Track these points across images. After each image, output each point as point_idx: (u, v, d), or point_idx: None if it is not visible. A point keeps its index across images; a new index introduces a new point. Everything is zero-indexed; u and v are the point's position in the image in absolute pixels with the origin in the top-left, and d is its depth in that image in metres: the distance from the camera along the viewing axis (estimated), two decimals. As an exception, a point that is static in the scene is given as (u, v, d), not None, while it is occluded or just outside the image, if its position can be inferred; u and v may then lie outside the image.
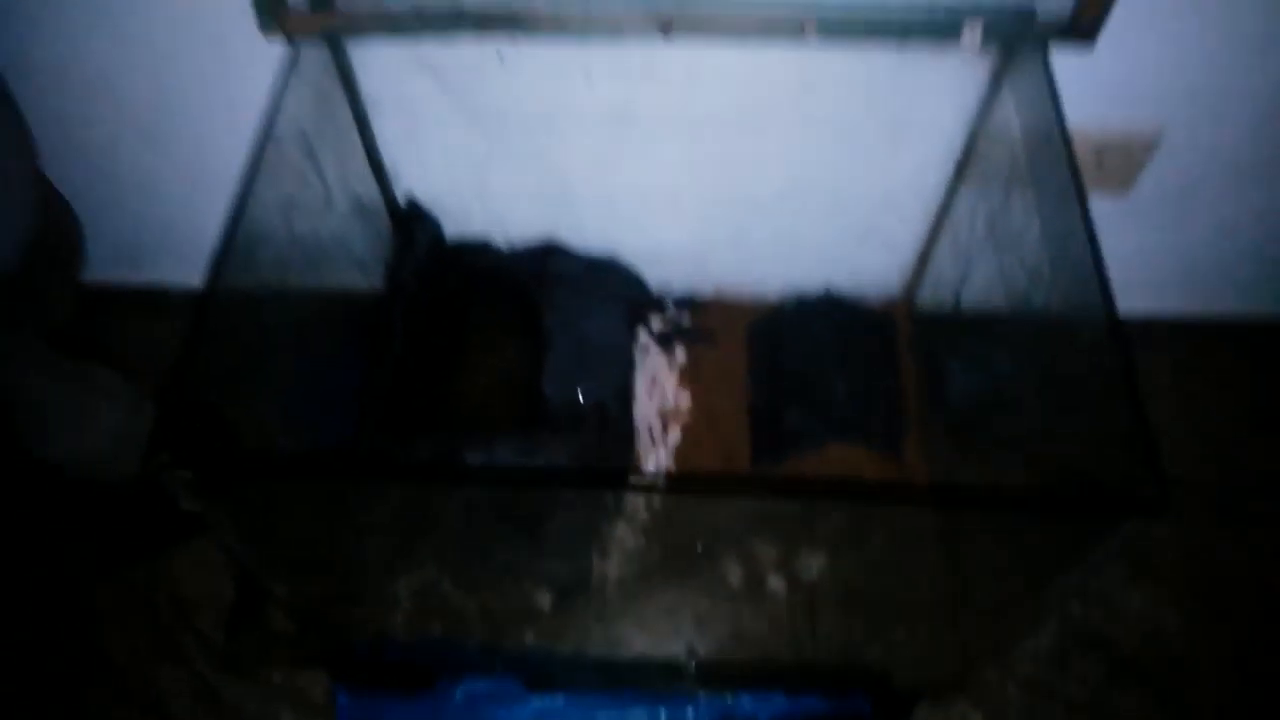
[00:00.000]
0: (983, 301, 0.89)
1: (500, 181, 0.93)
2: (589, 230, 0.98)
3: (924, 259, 0.98)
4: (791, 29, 0.69)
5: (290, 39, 0.70)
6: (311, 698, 0.90)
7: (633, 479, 0.85)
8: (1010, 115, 0.78)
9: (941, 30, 0.69)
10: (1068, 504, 0.54)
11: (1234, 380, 1.07)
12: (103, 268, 1.07)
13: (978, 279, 0.90)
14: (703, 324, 1.04)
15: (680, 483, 0.77)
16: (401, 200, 0.95)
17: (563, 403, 0.93)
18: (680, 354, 1.02)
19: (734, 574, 0.90)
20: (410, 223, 0.95)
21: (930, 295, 1.00)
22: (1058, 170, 0.68)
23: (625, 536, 0.92)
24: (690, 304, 1.05)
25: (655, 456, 0.96)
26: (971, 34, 0.69)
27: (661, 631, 0.89)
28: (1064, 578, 0.59)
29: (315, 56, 0.74)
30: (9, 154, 0.68)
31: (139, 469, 0.92)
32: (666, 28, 0.69)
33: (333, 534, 0.72)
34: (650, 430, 0.97)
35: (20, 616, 0.94)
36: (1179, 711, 0.88)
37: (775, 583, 0.90)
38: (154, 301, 1.10)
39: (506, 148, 0.89)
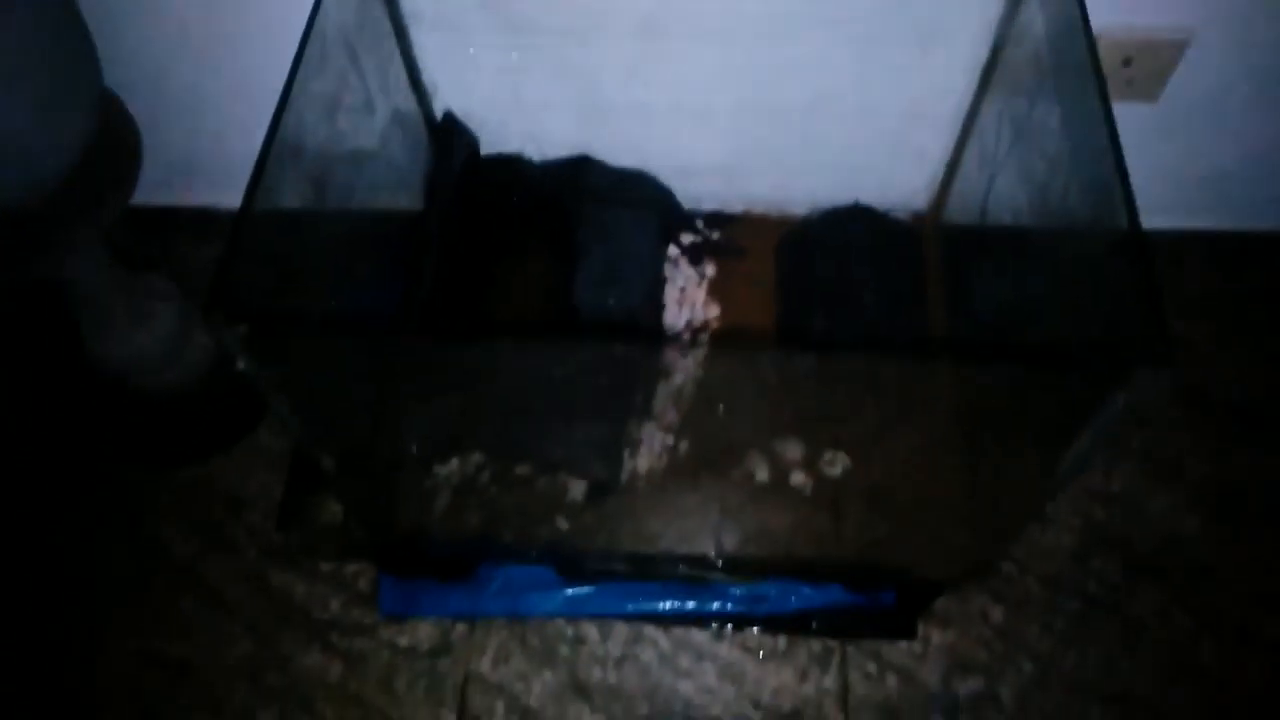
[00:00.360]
0: (1008, 212, 0.91)
1: (534, 96, 0.96)
2: (621, 145, 1.01)
3: (952, 170, 1.00)
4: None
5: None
6: (358, 586, 0.95)
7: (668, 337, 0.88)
8: (1035, 16, 0.79)
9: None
10: (1077, 357, 0.56)
11: (1265, 296, 1.07)
12: (152, 190, 1.11)
13: (1003, 190, 0.91)
14: (732, 239, 1.06)
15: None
16: (439, 115, 0.98)
17: (594, 311, 0.96)
18: (709, 268, 1.05)
19: (760, 472, 0.94)
20: (448, 136, 0.98)
21: (958, 208, 1.02)
22: (1082, 74, 0.69)
23: (654, 436, 0.95)
24: (720, 220, 1.07)
25: (683, 366, 0.99)
26: (994, -74, 0.70)
27: (689, 527, 0.93)
28: (1078, 450, 0.61)
29: (356, -38, 0.77)
30: (75, 57, 0.73)
31: (192, 372, 0.98)
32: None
33: (380, 408, 0.76)
34: (680, 340, 1.00)
35: (82, 513, 1.00)
36: (1194, 606, 0.90)
37: (800, 480, 0.93)
38: (203, 222, 1.14)
39: (541, 61, 0.92)
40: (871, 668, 0.89)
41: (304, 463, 0.98)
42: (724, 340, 0.94)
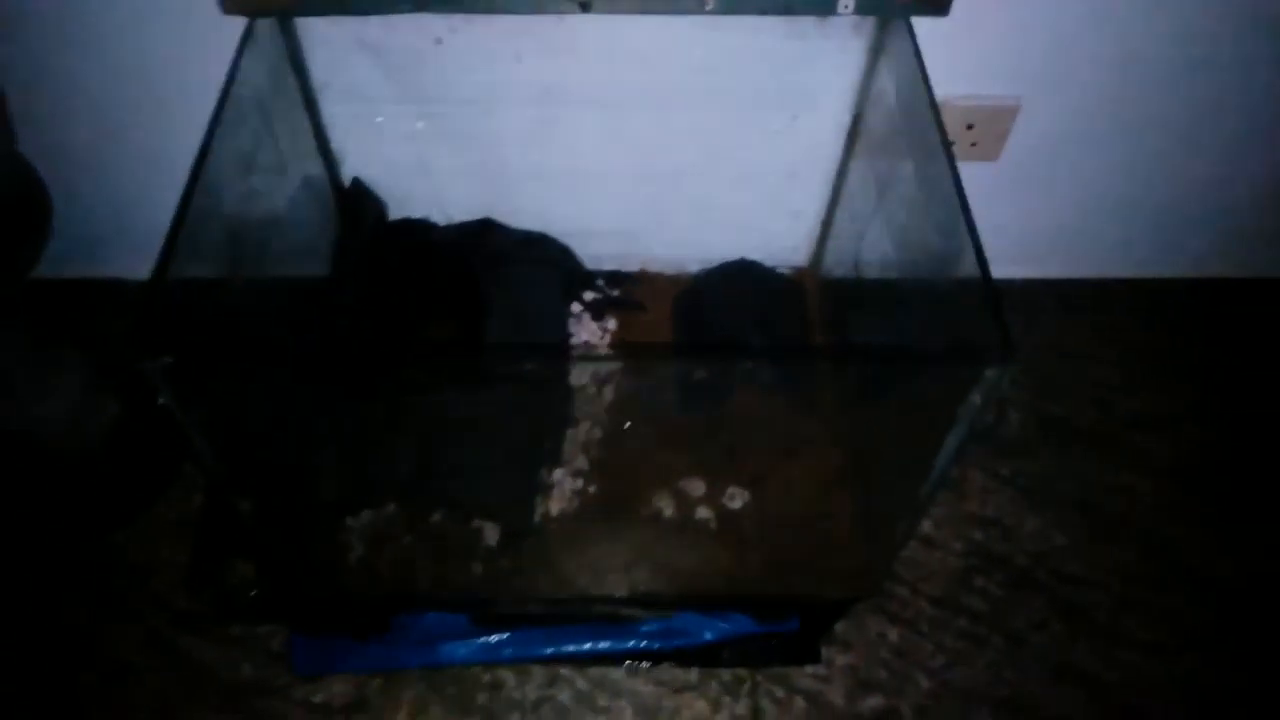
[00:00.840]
0: (877, 263, 1.00)
1: (440, 163, 1.02)
2: (523, 209, 1.07)
3: (826, 226, 1.09)
4: (694, 3, 0.79)
5: (249, 14, 0.78)
6: (270, 647, 0.94)
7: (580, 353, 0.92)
8: (887, 86, 0.90)
9: (821, 3, 0.80)
10: (933, 357, 0.64)
11: (1109, 334, 1.20)
12: (57, 262, 1.12)
13: (872, 243, 1.00)
14: (631, 295, 1.13)
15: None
16: (347, 181, 1.03)
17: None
18: (611, 323, 1.11)
19: (667, 509, 0.98)
20: (356, 201, 1.02)
21: (834, 261, 1.11)
22: (929, 133, 0.78)
23: (564, 480, 0.99)
24: (619, 278, 1.14)
25: (590, 414, 1.04)
26: (845, 5, 0.80)
27: (602, 566, 0.96)
28: (947, 449, 0.68)
29: (269, 35, 0.82)
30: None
31: (95, 442, 0.98)
32: (586, 3, 0.79)
33: (295, 455, 0.78)
34: (585, 391, 1.05)
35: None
36: (1068, 615, 0.98)
37: (704, 515, 0.98)
38: (109, 294, 1.15)
39: (444, 129, 0.98)
40: (780, 693, 0.93)
41: (213, 525, 0.98)
42: (628, 348, 0.99)
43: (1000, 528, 1.04)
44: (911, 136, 0.84)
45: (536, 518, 0.96)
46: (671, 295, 1.13)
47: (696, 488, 0.99)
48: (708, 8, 0.80)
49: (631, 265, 1.14)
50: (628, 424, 0.90)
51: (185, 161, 0.74)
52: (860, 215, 1.02)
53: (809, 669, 0.95)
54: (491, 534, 0.96)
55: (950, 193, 0.73)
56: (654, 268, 1.15)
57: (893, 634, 0.97)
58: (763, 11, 0.82)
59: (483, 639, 0.94)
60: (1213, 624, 0.98)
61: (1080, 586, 1.00)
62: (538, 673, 0.94)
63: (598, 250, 1.12)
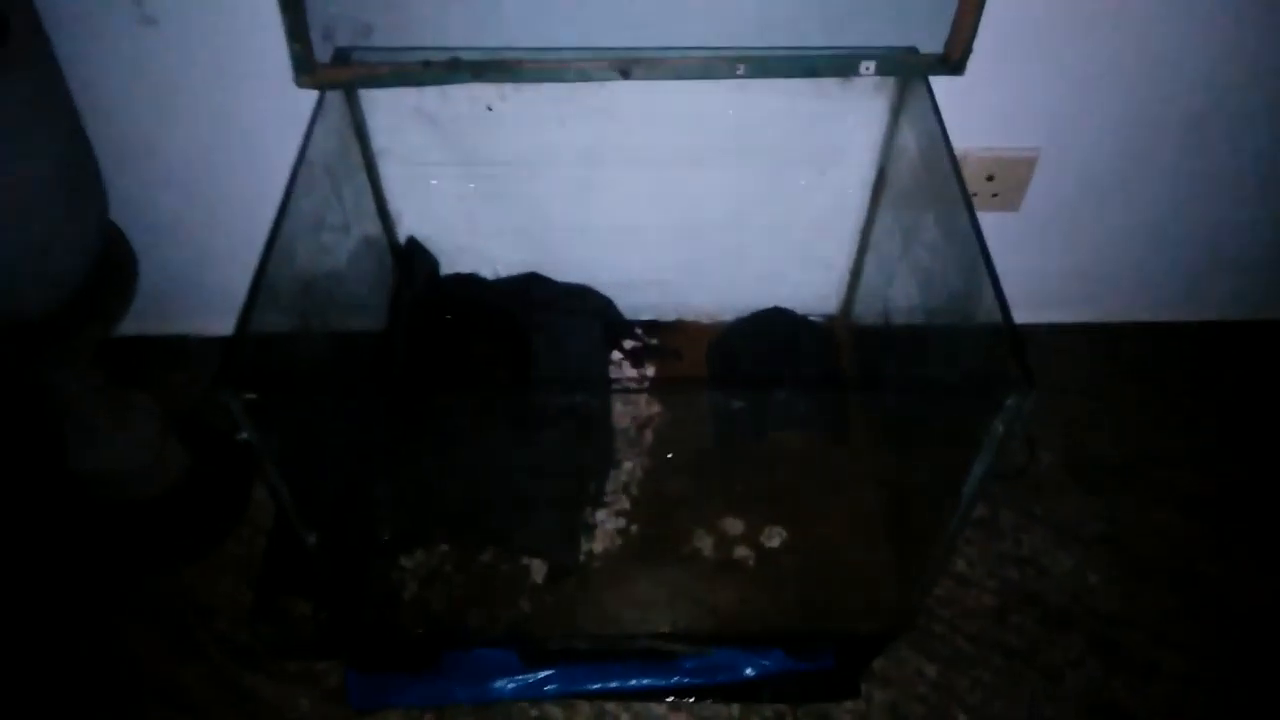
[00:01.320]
0: (905, 309, 1.04)
1: (487, 221, 1.08)
2: (566, 263, 1.13)
3: (856, 276, 1.14)
4: (727, 68, 0.86)
5: (320, 88, 0.86)
6: (327, 683, 0.98)
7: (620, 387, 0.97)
8: (909, 142, 0.96)
9: (844, 66, 0.87)
10: (956, 387, 0.68)
11: (1132, 376, 1.22)
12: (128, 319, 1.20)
13: (899, 291, 1.05)
14: (668, 343, 1.18)
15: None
16: (402, 239, 1.09)
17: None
18: (650, 369, 1.16)
19: (706, 548, 1.02)
20: (410, 258, 1.09)
21: (863, 309, 1.16)
22: (949, 185, 0.82)
23: (607, 520, 1.03)
24: (656, 328, 1.19)
25: (631, 456, 1.08)
26: (866, 67, 0.86)
27: (645, 601, 1.00)
28: (973, 477, 0.72)
29: (336, 106, 0.90)
30: (86, 184, 0.83)
31: (169, 485, 1.04)
32: (626, 70, 0.85)
33: (357, 496, 0.83)
34: (626, 434, 1.10)
35: (50, 623, 1.02)
36: (1104, 651, 1.00)
37: (743, 553, 1.01)
38: (174, 350, 1.22)
39: (493, 190, 1.05)
40: (820, 728, 0.96)
41: (275, 564, 1.03)
42: (665, 382, 1.04)
43: (1034, 566, 1.06)
44: (934, 188, 0.89)
45: (582, 556, 1.00)
46: (706, 342, 1.18)
47: (735, 526, 1.03)
48: (739, 73, 0.86)
49: (668, 315, 1.20)
50: (670, 455, 0.94)
51: (251, 223, 0.81)
52: (887, 264, 1.06)
53: (848, 705, 0.97)
54: (539, 571, 1.00)
55: (971, 240, 0.77)
56: (690, 316, 1.20)
57: (930, 670, 0.99)
58: (790, 75, 0.88)
59: (530, 675, 0.97)
60: (1246, 656, 0.99)
61: (1115, 624, 1.02)
62: (584, 708, 0.97)
63: (636, 301, 1.18)
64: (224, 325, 0.65)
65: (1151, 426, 1.18)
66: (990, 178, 1.03)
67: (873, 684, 0.98)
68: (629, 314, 1.18)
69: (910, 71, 0.88)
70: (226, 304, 0.68)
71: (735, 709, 0.97)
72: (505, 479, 0.98)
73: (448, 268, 1.13)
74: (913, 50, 0.88)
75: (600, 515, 1.03)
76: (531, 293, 1.12)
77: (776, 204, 1.06)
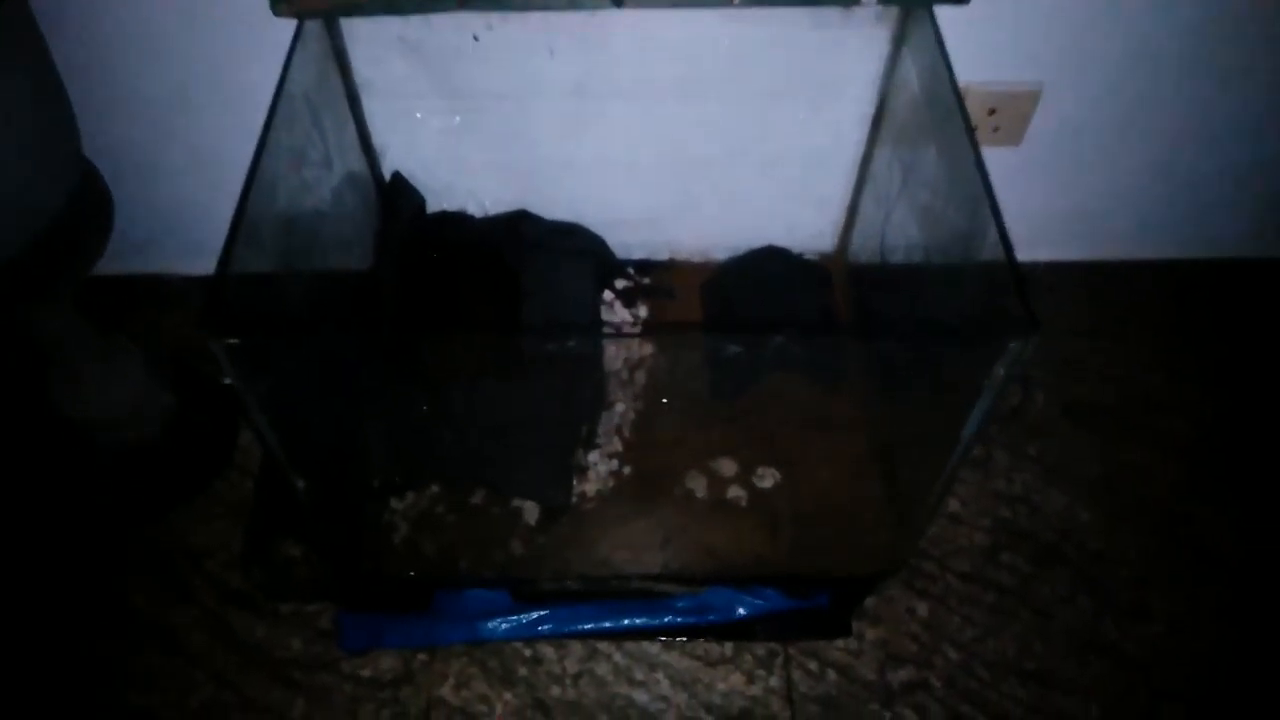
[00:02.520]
0: (902, 246, 1.02)
1: (475, 157, 1.05)
2: (556, 200, 1.10)
3: (852, 212, 1.12)
4: (721, -5, 0.82)
5: (298, 16, 0.82)
6: (319, 625, 0.98)
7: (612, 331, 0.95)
8: (910, 74, 0.93)
9: (844, -7, 0.83)
10: (959, 331, 0.67)
11: (1130, 316, 1.21)
12: (108, 259, 1.17)
13: (897, 228, 1.03)
14: (661, 283, 1.16)
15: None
16: (387, 175, 1.06)
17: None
18: (642, 310, 1.14)
19: (699, 489, 1.02)
20: (396, 195, 1.06)
21: (860, 246, 1.14)
22: (952, 119, 0.79)
23: (600, 462, 1.03)
24: (649, 267, 1.17)
25: (623, 398, 1.07)
26: (868, -5, 0.83)
27: (638, 542, 1.00)
28: (974, 417, 0.71)
29: (316, 36, 0.86)
30: (58, 120, 0.79)
31: (154, 428, 1.02)
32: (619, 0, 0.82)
33: (346, 439, 0.82)
34: (619, 375, 1.09)
35: (44, 567, 1.02)
36: (1094, 589, 1.00)
37: (736, 493, 1.01)
38: (159, 291, 1.19)
39: (480, 124, 1.02)
40: (813, 666, 0.96)
41: (264, 508, 1.02)
42: (660, 328, 1.02)
43: (1026, 505, 1.06)
44: (935, 122, 0.86)
45: (574, 497, 0.99)
46: (700, 281, 1.16)
47: (728, 468, 1.02)
48: (735, 2, 0.83)
49: (661, 254, 1.18)
50: (664, 400, 0.93)
51: (231, 160, 0.78)
52: (885, 201, 1.04)
53: (840, 643, 0.97)
54: (531, 513, 0.99)
55: (973, 175, 0.75)
56: (682, 256, 1.18)
57: (922, 608, 0.99)
58: (789, 2, 0.85)
59: (523, 615, 0.97)
60: (1230, 600, 1.00)
61: (1104, 562, 1.02)
62: (576, 647, 0.97)
63: (628, 239, 1.15)
64: (210, 265, 0.63)
65: (1148, 367, 1.17)
66: (992, 111, 1.00)
67: (864, 622, 0.98)
68: (620, 253, 1.16)
69: (914, 1, 0.85)
70: (211, 244, 0.66)
71: (728, 648, 0.97)
72: (495, 422, 0.96)
73: (434, 205, 1.11)
74: (915, -23, 0.84)
75: (593, 457, 1.03)
76: (521, 230, 1.09)
77: (772, 139, 1.03)
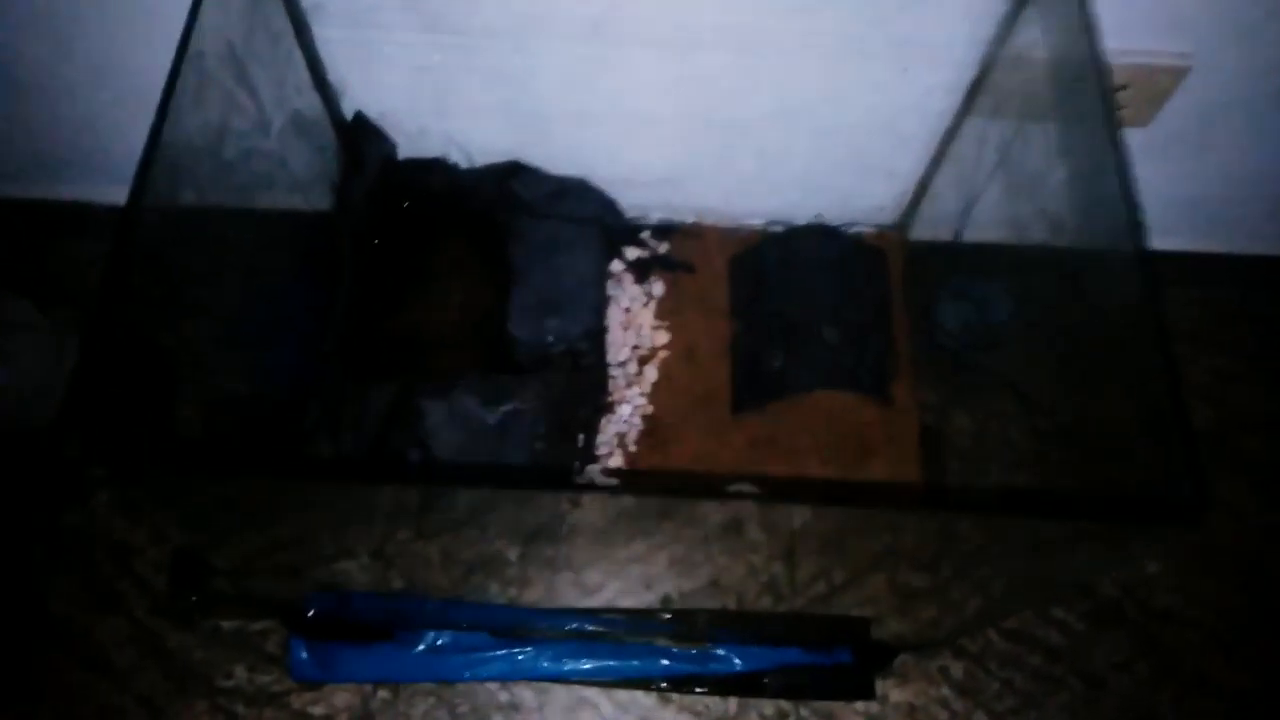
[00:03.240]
0: (988, 233, 0.84)
1: (458, 99, 0.84)
2: (557, 151, 0.89)
3: (923, 187, 0.91)
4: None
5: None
6: (265, 648, 0.86)
7: (584, 478, 0.80)
8: (1035, 39, 0.70)
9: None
10: (1089, 507, 0.50)
11: (1232, 317, 1.03)
12: (10, 181, 0.97)
13: (984, 209, 0.84)
14: (681, 253, 0.96)
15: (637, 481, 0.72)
16: (349, 115, 0.85)
17: (531, 344, 0.86)
18: (657, 286, 0.95)
19: (713, 518, 0.86)
20: (358, 140, 0.85)
21: (928, 224, 0.94)
22: (1085, 98, 0.62)
23: (596, 477, 0.87)
24: (667, 231, 0.97)
25: (630, 399, 0.90)
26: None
27: (635, 576, 0.86)
28: (1082, 573, 0.55)
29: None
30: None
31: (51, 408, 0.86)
32: (655, -67, 0.59)
33: (275, 505, 0.66)
34: (625, 370, 0.91)
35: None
36: (1154, 654, 0.88)
37: (754, 530, 0.86)
38: (75, 217, 1.00)
39: (467, 64, 0.79)
40: (826, 730, 0.85)
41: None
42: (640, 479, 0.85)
43: (1087, 550, 0.92)
44: (1059, 96, 0.67)
45: (566, 529, 0.84)
46: (728, 253, 0.97)
47: (747, 501, 0.86)
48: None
49: (683, 215, 0.97)
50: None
51: (140, 79, 0.59)
52: (971, 178, 0.84)
53: (860, 705, 0.86)
54: (512, 548, 0.84)
55: (1109, 171, 0.59)
56: (709, 219, 0.97)
57: (957, 669, 0.87)
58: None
59: (501, 652, 0.85)
60: None
61: (1171, 623, 0.89)
62: (560, 693, 0.85)
63: (644, 199, 0.95)
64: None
65: (1243, 380, 1.00)
66: (1123, 87, 0.78)
67: (889, 681, 0.86)
68: (635, 211, 0.96)
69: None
70: (128, 169, 0.51)
71: (732, 704, 0.86)
72: (467, 444, 0.80)
73: (408, 150, 0.89)
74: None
75: (590, 471, 0.87)
76: (513, 191, 0.89)
77: (835, 101, 0.81)
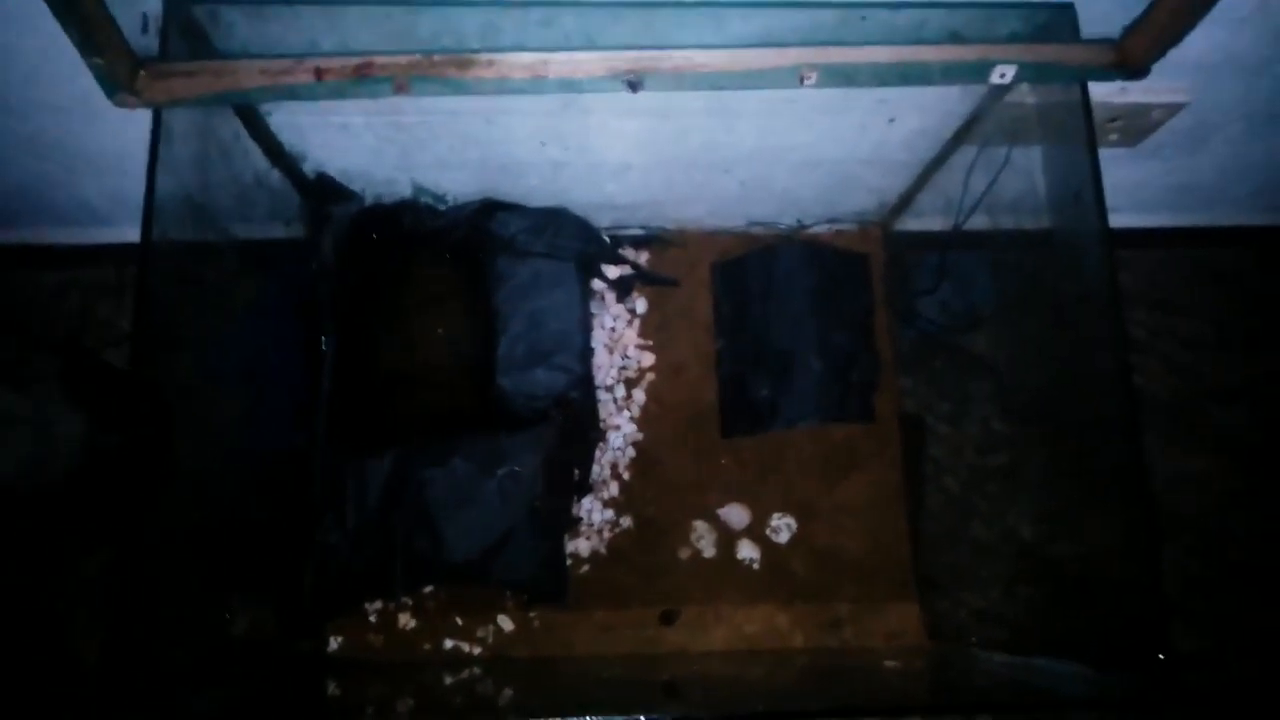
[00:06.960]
0: (972, 222, 0.83)
1: (428, 155, 0.79)
2: (533, 188, 0.85)
3: (907, 199, 0.89)
4: (786, 77, 0.56)
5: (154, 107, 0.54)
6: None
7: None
8: (1025, 95, 0.68)
9: (972, 73, 0.57)
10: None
11: (1210, 285, 1.04)
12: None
13: (974, 225, 0.83)
14: (663, 263, 0.95)
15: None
16: (311, 175, 0.80)
17: (520, 395, 0.86)
18: (639, 303, 0.94)
19: (707, 541, 0.90)
20: (323, 199, 0.81)
21: (912, 216, 0.92)
22: (1072, 131, 0.62)
23: (594, 510, 0.90)
24: (648, 241, 0.95)
25: (620, 425, 0.92)
26: (1002, 74, 0.57)
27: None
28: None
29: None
30: None
31: (63, 473, 0.86)
32: (635, 84, 0.55)
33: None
34: (614, 395, 0.92)
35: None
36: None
37: (747, 549, 0.90)
38: (39, 255, 0.95)
39: (432, 134, 0.75)
40: None
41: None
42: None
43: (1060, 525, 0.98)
44: (1047, 127, 0.67)
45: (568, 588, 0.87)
46: (709, 260, 0.95)
47: (740, 518, 0.90)
48: (806, 83, 0.56)
49: (664, 223, 0.94)
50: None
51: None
52: (956, 200, 0.82)
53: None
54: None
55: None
56: (690, 226, 0.95)
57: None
58: (877, 84, 0.58)
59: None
60: (1271, 633, 0.94)
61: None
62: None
63: (622, 217, 0.92)
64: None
65: (1217, 348, 1.02)
66: (1114, 120, 0.76)
67: None
68: (615, 226, 0.93)
69: (1069, 77, 0.59)
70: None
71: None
72: (471, 511, 0.82)
73: (379, 195, 0.85)
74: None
75: (587, 504, 0.90)
76: (490, 228, 0.85)
77: (822, 145, 0.78)
